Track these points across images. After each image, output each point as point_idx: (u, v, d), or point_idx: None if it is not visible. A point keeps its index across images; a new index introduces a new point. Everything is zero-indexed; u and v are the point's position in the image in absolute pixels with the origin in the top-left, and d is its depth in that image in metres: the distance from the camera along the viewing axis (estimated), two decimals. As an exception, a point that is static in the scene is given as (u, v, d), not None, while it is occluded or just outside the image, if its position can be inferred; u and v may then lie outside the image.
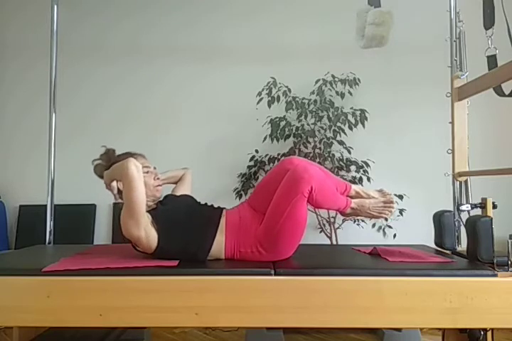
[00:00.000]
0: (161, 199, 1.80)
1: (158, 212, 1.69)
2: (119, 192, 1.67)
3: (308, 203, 1.63)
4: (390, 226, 3.11)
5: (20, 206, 3.26)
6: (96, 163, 1.77)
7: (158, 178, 1.78)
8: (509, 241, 1.48)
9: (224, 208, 1.79)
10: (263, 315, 1.43)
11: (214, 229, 1.68)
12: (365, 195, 1.80)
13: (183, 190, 1.98)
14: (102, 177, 1.73)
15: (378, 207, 1.78)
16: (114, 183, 1.67)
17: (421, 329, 2.52)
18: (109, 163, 1.72)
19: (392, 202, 1.79)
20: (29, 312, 1.43)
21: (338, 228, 2.97)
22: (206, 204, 1.84)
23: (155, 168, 1.81)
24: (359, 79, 3.00)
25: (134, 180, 1.58)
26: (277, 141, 2.92)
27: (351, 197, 1.79)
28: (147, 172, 1.74)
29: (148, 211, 1.66)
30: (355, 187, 1.82)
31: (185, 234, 1.65)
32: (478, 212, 1.72)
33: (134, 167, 1.60)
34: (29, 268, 1.55)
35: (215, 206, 1.82)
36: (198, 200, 1.86)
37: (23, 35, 3.38)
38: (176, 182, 2.03)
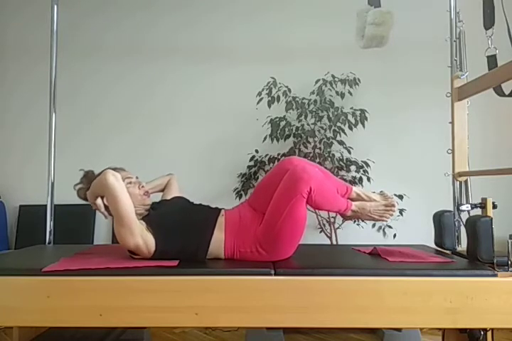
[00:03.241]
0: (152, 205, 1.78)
1: (150, 217, 1.68)
2: (106, 208, 1.63)
3: (308, 204, 1.63)
4: (390, 226, 3.11)
5: (20, 206, 3.26)
6: (78, 187, 1.75)
7: (142, 186, 1.76)
8: (509, 241, 1.48)
9: (222, 208, 1.79)
10: (263, 315, 1.43)
11: (211, 226, 1.67)
12: (366, 198, 1.79)
13: (171, 195, 1.96)
14: (86, 199, 1.70)
15: (379, 210, 1.76)
16: (99, 201, 1.64)
17: (421, 329, 2.52)
18: (90, 185, 1.68)
19: (393, 206, 1.77)
20: (29, 312, 1.43)
21: (338, 228, 2.97)
22: (201, 204, 1.83)
23: (137, 178, 1.79)
24: (359, 79, 3.00)
25: (115, 188, 1.56)
26: (277, 141, 2.92)
27: (352, 200, 1.77)
28: (130, 182, 1.73)
29: (141, 218, 1.66)
30: (356, 190, 1.81)
31: (182, 234, 1.64)
32: (478, 212, 1.71)
33: (113, 177, 1.57)
34: (29, 268, 1.55)
35: (213, 206, 1.81)
36: (198, 201, 1.86)
37: (24, 35, 3.38)
38: (162, 190, 2.02)
